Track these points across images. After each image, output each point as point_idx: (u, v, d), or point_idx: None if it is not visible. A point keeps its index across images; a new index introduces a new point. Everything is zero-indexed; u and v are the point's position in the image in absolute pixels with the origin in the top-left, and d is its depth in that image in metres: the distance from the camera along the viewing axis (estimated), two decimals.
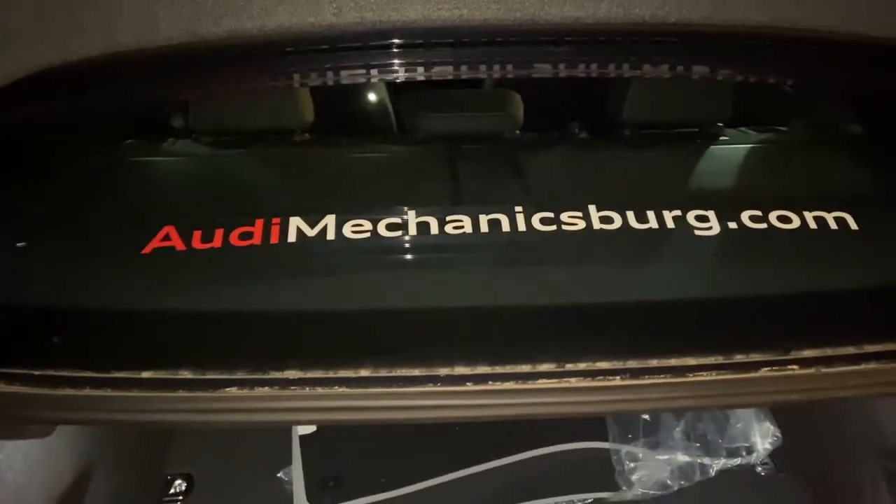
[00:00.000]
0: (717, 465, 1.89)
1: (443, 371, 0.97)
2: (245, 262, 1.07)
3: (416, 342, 1.02)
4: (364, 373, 0.97)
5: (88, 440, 1.45)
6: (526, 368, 0.97)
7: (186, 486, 1.84)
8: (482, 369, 0.96)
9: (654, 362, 0.98)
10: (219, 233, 1.07)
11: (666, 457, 1.89)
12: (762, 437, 1.93)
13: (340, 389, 0.98)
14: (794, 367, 0.99)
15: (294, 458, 1.90)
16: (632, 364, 0.98)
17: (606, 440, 1.94)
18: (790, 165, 1.40)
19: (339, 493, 1.80)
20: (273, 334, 1.03)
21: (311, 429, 1.99)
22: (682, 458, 1.89)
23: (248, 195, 1.25)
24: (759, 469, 1.89)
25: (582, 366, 0.97)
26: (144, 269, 1.07)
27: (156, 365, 0.96)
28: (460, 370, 0.96)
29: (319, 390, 0.99)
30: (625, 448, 1.92)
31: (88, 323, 1.02)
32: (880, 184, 1.27)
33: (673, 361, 0.98)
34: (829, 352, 1.00)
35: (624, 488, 1.84)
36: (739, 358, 0.98)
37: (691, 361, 0.98)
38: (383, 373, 0.97)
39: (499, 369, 0.97)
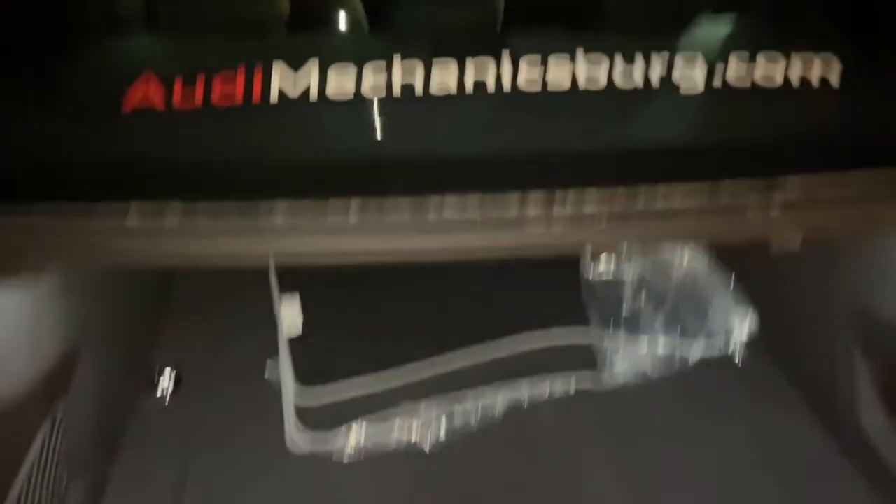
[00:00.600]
0: (695, 354, 1.94)
1: (432, 216, 0.98)
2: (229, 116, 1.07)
3: (404, 186, 1.02)
4: (354, 220, 0.97)
5: (74, 322, 1.45)
6: (513, 213, 0.98)
7: (174, 383, 1.85)
8: (471, 214, 0.98)
9: (640, 206, 1.00)
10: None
11: (646, 347, 1.94)
12: (740, 326, 1.98)
13: (330, 234, 0.98)
14: (775, 209, 1.01)
15: (281, 353, 1.92)
16: (618, 206, 1.00)
17: (589, 332, 1.98)
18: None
19: (325, 384, 1.83)
20: (263, 180, 1.03)
21: (298, 332, 2.01)
22: (663, 348, 1.94)
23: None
24: (737, 358, 1.95)
25: (569, 208, 0.99)
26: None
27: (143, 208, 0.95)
28: (449, 214, 0.97)
29: (309, 236, 1.00)
30: (606, 339, 1.96)
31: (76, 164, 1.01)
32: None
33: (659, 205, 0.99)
34: (806, 193, 1.03)
35: (605, 377, 1.88)
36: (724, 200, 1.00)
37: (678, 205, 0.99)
38: (373, 215, 0.98)
39: (488, 213, 0.98)
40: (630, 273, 2.07)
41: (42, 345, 1.34)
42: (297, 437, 1.70)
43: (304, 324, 2.00)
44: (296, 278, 2.20)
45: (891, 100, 1.15)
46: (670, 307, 2.02)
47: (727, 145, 1.08)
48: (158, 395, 1.82)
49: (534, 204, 0.97)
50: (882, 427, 1.59)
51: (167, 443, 1.68)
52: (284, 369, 1.86)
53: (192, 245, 0.99)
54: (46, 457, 1.39)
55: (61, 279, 1.39)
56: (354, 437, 1.69)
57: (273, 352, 1.92)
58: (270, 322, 2.03)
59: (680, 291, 2.05)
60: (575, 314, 2.01)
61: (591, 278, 2.07)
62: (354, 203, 0.99)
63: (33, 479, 1.32)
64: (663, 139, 1.10)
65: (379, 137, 1.08)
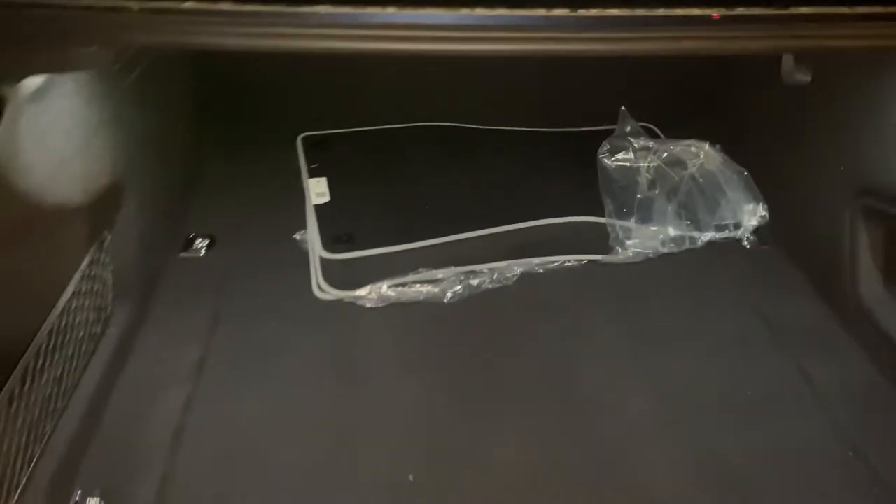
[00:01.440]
0: (705, 237, 2.02)
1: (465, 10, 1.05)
2: None
3: None
4: (391, 10, 1.05)
5: (121, 157, 1.55)
6: (541, 11, 1.05)
7: (208, 243, 1.96)
8: (500, 10, 1.05)
9: (660, 11, 1.07)
10: None
11: (657, 228, 2.02)
12: (750, 215, 2.05)
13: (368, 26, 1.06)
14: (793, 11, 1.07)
15: (309, 222, 2.02)
16: (640, 12, 1.07)
17: (604, 216, 2.06)
18: None
19: (351, 247, 1.93)
20: None
21: (325, 199, 2.11)
22: (673, 230, 2.02)
23: None
24: (745, 242, 2.02)
25: (594, 11, 1.06)
26: None
27: None
28: (480, 11, 1.05)
29: (349, 27, 1.07)
30: (619, 222, 2.04)
31: None
32: None
33: (679, 11, 1.06)
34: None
35: (617, 252, 1.97)
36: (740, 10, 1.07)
37: (695, 11, 1.06)
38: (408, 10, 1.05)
39: (516, 11, 1.05)
40: (645, 162, 2.14)
41: (93, 170, 1.44)
42: (323, 286, 1.80)
43: (331, 196, 2.10)
44: (323, 152, 2.30)
45: None
46: (683, 198, 2.09)
47: None
48: (193, 249, 1.93)
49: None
50: (880, 296, 1.67)
51: (203, 287, 1.79)
52: (311, 229, 1.97)
53: (240, 32, 1.06)
54: (93, 277, 1.50)
55: (111, 108, 1.48)
56: (376, 290, 1.78)
57: (301, 221, 2.03)
58: (300, 192, 2.14)
59: (693, 183, 2.12)
60: (592, 202, 2.08)
61: (608, 165, 2.14)
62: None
63: (81, 295, 1.44)
64: None
65: None
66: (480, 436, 1.43)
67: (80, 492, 1.27)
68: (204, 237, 1.97)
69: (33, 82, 1.18)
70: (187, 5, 1.04)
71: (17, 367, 1.21)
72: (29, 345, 1.25)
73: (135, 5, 1.04)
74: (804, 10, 1.08)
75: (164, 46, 1.25)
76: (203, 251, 1.93)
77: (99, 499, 1.26)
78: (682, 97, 2.42)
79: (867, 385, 1.56)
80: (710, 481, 1.35)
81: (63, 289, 1.37)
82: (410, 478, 1.34)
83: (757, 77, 2.09)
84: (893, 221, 1.63)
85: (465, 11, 1.06)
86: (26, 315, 1.28)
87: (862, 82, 1.65)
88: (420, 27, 1.06)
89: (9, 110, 1.11)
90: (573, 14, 1.07)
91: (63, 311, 1.36)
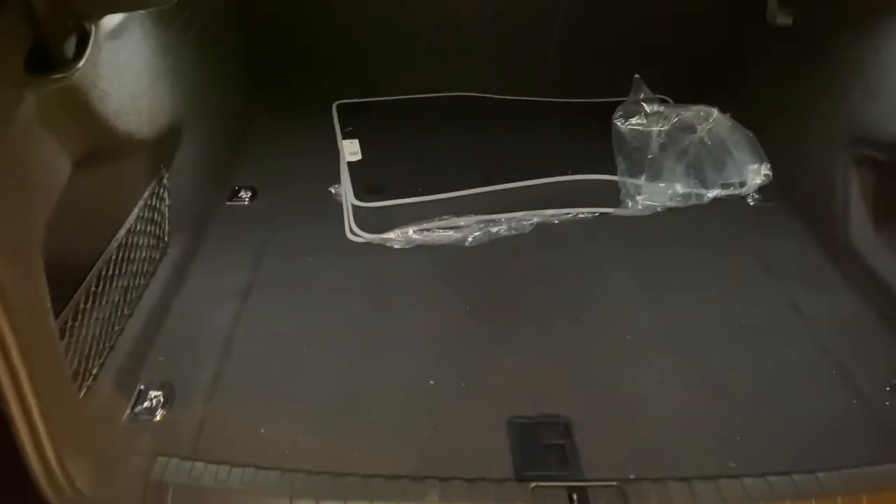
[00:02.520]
0: (711, 194, 2.16)
1: None
2: None
3: None
4: None
5: (181, 100, 1.74)
6: None
7: (251, 195, 2.14)
8: None
9: None
10: None
11: (666, 185, 2.16)
12: (754, 174, 2.18)
13: None
14: None
15: (343, 176, 2.20)
16: None
17: (615, 174, 2.21)
18: None
19: (380, 197, 2.10)
20: None
21: (357, 157, 2.29)
22: (681, 188, 2.16)
23: None
24: (749, 199, 2.15)
25: None
26: None
27: None
28: None
29: None
30: (630, 179, 2.19)
31: None
32: None
33: None
34: None
35: (628, 205, 2.12)
36: None
37: None
38: None
39: None
40: (656, 126, 2.29)
41: (156, 109, 1.63)
42: (355, 230, 1.98)
43: (363, 156, 2.28)
44: (357, 119, 2.49)
45: None
46: (692, 158, 2.23)
47: None
48: (238, 198, 2.12)
49: None
50: (870, 240, 1.80)
51: (247, 230, 1.97)
52: (344, 182, 2.15)
53: None
54: (153, 207, 1.69)
55: (173, 57, 1.68)
56: (403, 233, 1.96)
57: (336, 177, 2.21)
58: (335, 152, 2.32)
59: (702, 145, 2.26)
60: (606, 163, 2.24)
61: (621, 128, 2.29)
62: None
63: (144, 220, 1.63)
64: None
65: None
66: (494, 350, 1.59)
67: (142, 386, 1.46)
68: (247, 189, 2.16)
69: (112, 21, 1.38)
70: None
71: (92, 270, 1.41)
72: (101, 253, 1.45)
73: None
74: None
75: None
76: (247, 201, 2.12)
77: (161, 391, 1.45)
78: (691, 70, 2.55)
79: (853, 313, 1.69)
80: (697, 388, 1.49)
81: (129, 211, 1.56)
82: (431, 382, 1.51)
83: (761, 50, 2.23)
84: (882, 168, 1.76)
85: None
86: (99, 229, 1.47)
87: (847, 42, 1.78)
88: None
89: (92, 42, 1.31)
90: None
91: (129, 230, 1.55)
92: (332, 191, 2.15)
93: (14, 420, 1.03)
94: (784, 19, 1.53)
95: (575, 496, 1.13)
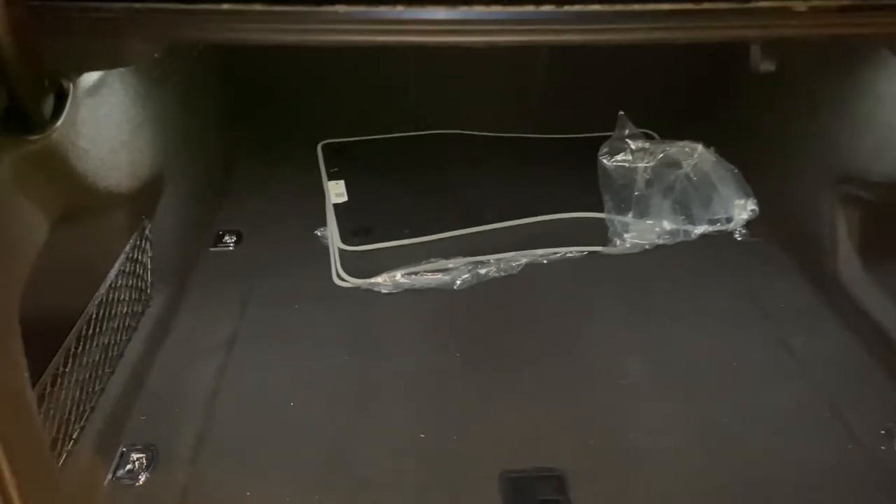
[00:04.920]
0: (699, 230, 2.15)
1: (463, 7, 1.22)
2: None
3: None
4: (400, 7, 1.21)
5: (162, 150, 1.72)
6: (531, 7, 1.22)
7: (236, 239, 2.12)
8: (495, 7, 1.21)
9: (635, 6, 1.22)
10: None
11: (653, 222, 2.15)
12: (741, 209, 2.18)
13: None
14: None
15: (329, 218, 2.18)
16: (618, 6, 1.22)
17: (602, 212, 2.21)
18: None
19: (367, 240, 2.08)
20: None
21: (343, 199, 2.27)
22: (669, 224, 2.15)
23: None
24: (737, 235, 2.15)
25: (577, 7, 1.22)
26: None
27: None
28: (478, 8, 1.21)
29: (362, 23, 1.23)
30: (618, 217, 2.18)
31: None
32: None
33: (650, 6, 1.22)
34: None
35: (616, 243, 2.10)
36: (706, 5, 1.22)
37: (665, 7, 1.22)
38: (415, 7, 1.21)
39: (508, 8, 1.22)
40: (642, 163, 2.28)
41: (137, 161, 1.60)
42: (342, 275, 1.95)
43: (349, 197, 2.26)
44: (341, 158, 2.47)
45: None
46: (678, 194, 2.23)
47: None
48: (223, 244, 2.09)
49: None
50: (859, 277, 1.80)
51: (232, 276, 1.94)
52: (330, 225, 2.13)
53: (269, 28, 1.23)
54: (135, 260, 1.66)
55: (154, 108, 1.66)
56: (391, 278, 1.93)
57: (322, 219, 2.19)
58: (320, 194, 2.30)
59: (688, 181, 2.26)
60: (592, 199, 2.23)
61: (607, 165, 2.28)
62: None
63: (125, 274, 1.60)
64: None
65: None
66: (486, 399, 1.57)
67: (124, 448, 1.42)
68: (232, 233, 2.13)
69: (90, 78, 1.36)
70: (225, 6, 1.22)
71: (72, 331, 1.37)
72: (82, 312, 1.41)
73: (177, 6, 1.21)
74: (762, 4, 1.24)
75: (202, 41, 1.41)
76: (232, 246, 2.09)
77: (144, 453, 1.41)
78: (675, 105, 2.56)
79: (845, 354, 1.68)
80: (693, 437, 1.47)
81: (111, 266, 1.53)
82: (421, 435, 1.48)
83: (745, 85, 2.24)
84: (868, 206, 1.76)
85: (463, 9, 1.23)
86: (79, 286, 1.44)
87: (832, 81, 1.79)
88: (424, 22, 1.23)
89: (70, 101, 1.29)
90: (559, 9, 1.23)
91: (110, 286, 1.52)
92: (319, 234, 2.13)
93: None
94: (767, 66, 1.53)
95: None
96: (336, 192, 2.29)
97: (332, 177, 2.38)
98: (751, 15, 1.23)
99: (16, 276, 1.13)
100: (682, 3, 1.24)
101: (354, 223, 2.15)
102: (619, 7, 1.24)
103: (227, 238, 2.11)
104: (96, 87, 1.38)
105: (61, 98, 1.27)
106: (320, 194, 2.31)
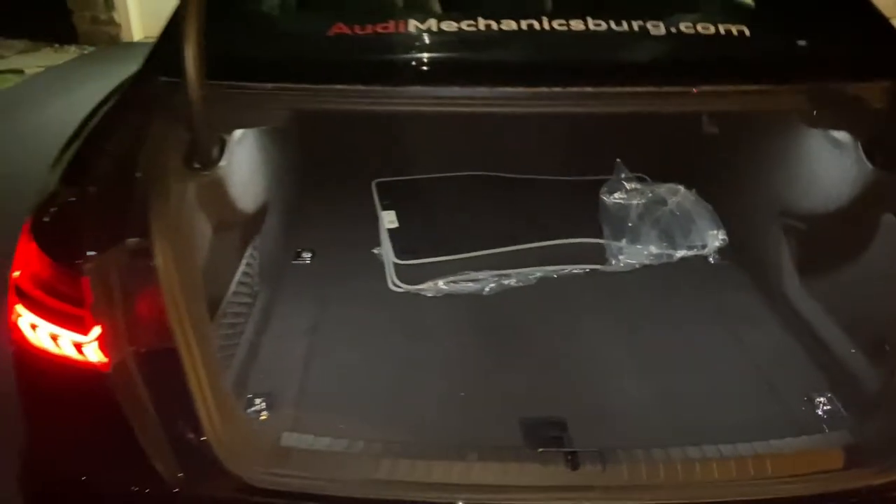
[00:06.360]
0: (679, 254, 2.70)
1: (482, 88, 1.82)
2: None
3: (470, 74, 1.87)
4: (455, 88, 1.80)
5: (265, 185, 2.30)
6: (543, 88, 1.80)
7: (311, 255, 2.69)
8: (520, 88, 1.80)
9: (618, 88, 1.81)
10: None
11: (643, 247, 2.70)
12: (713, 238, 2.73)
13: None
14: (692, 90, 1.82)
15: (383, 240, 2.76)
16: (605, 89, 1.81)
17: (602, 238, 2.76)
18: None
19: (415, 256, 2.65)
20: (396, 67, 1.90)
21: (395, 225, 2.85)
22: (655, 249, 2.70)
23: None
24: (710, 259, 2.69)
25: (574, 88, 1.80)
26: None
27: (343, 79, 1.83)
28: (510, 89, 1.81)
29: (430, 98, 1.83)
30: (614, 242, 2.73)
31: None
32: None
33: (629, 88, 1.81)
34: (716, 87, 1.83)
35: (612, 263, 2.65)
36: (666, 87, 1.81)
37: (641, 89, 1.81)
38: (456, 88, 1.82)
39: (531, 89, 1.81)
40: (636, 200, 2.84)
41: (257, 191, 2.20)
42: (396, 282, 2.52)
43: (399, 224, 2.84)
44: (392, 193, 3.06)
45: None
46: (663, 226, 2.78)
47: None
48: (301, 258, 2.67)
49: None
50: (797, 288, 2.33)
51: (312, 281, 2.51)
52: (385, 245, 2.70)
53: (367, 101, 1.83)
54: (249, 265, 2.24)
55: (266, 153, 2.26)
56: (434, 285, 2.49)
57: (378, 241, 2.76)
58: (376, 221, 2.88)
59: (671, 215, 2.81)
60: (594, 229, 2.79)
61: (606, 201, 2.85)
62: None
63: (245, 275, 2.17)
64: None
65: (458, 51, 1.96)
66: (506, 368, 2.12)
67: (250, 395, 1.97)
68: (308, 251, 2.70)
69: (237, 133, 1.96)
70: (338, 87, 1.82)
71: (219, 310, 1.94)
72: (223, 298, 1.98)
73: (305, 86, 1.82)
74: (707, 88, 1.82)
75: (319, 110, 2.00)
76: (308, 260, 2.67)
77: (263, 398, 1.95)
78: (662, 155, 3.12)
79: (783, 345, 2.21)
80: (661, 397, 2.00)
81: (238, 267, 2.11)
82: (462, 394, 2.02)
83: (717, 144, 2.81)
84: (802, 234, 2.30)
85: (501, 89, 1.82)
86: (220, 282, 2.01)
87: (771, 142, 2.37)
88: (470, 97, 1.82)
89: (227, 148, 1.88)
90: (563, 90, 1.82)
91: (237, 282, 2.09)
92: (376, 252, 2.70)
93: (200, 414, 1.52)
94: (711, 129, 2.09)
95: (569, 458, 1.61)
96: (389, 219, 2.87)
97: (384, 208, 2.96)
98: (666, 97, 1.81)
99: (198, 263, 1.70)
100: (635, 88, 1.84)
101: (404, 244, 2.72)
102: (603, 89, 1.83)
103: (304, 254, 2.68)
104: (240, 139, 1.98)
105: (222, 147, 1.87)
106: (376, 221, 2.89)
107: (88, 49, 8.53)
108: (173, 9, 2.07)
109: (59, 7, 8.67)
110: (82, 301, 1.47)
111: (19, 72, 7.47)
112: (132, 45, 8.75)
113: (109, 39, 8.76)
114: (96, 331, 1.47)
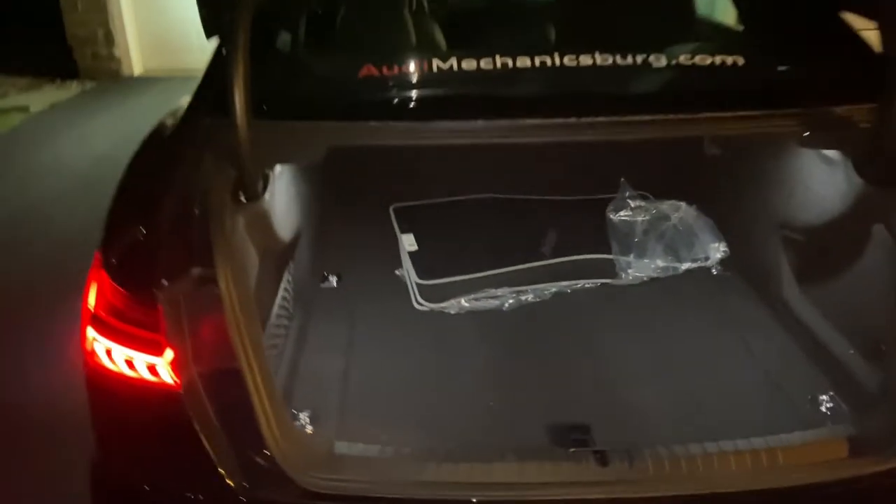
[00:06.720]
0: (683, 266, 2.86)
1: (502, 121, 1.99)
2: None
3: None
4: (480, 122, 1.98)
5: (297, 216, 2.46)
6: (559, 119, 1.98)
7: (338, 278, 2.85)
8: (537, 120, 1.98)
9: (631, 117, 1.98)
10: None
11: (649, 260, 2.87)
12: (715, 251, 2.90)
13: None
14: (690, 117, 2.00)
15: (405, 261, 2.91)
16: (616, 118, 1.98)
17: (610, 253, 2.93)
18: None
19: (436, 276, 2.80)
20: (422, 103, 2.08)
21: (414, 248, 3.01)
22: (661, 262, 2.87)
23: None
24: (713, 270, 2.86)
25: (586, 119, 1.98)
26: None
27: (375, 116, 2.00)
28: (526, 121, 1.98)
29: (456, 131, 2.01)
30: (622, 257, 2.90)
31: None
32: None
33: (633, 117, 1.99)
34: (714, 114, 2.01)
35: (622, 276, 2.82)
36: (665, 115, 1.99)
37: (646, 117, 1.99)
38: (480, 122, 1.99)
39: (547, 120, 1.98)
40: (641, 216, 3.01)
41: (292, 221, 2.36)
42: (420, 301, 2.67)
43: (419, 246, 3.00)
44: (409, 217, 3.22)
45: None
46: (668, 240, 2.95)
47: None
48: (328, 282, 2.82)
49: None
50: (797, 296, 2.49)
51: (342, 303, 2.66)
52: (407, 266, 2.86)
53: (396, 136, 2.01)
54: (286, 293, 2.39)
55: (301, 186, 2.42)
56: (456, 303, 2.65)
57: (399, 263, 2.92)
58: (396, 244, 3.04)
59: (675, 230, 2.98)
60: (603, 245, 2.96)
61: (614, 218, 3.01)
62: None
63: (283, 298, 2.33)
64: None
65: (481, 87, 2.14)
66: (528, 378, 2.28)
67: (293, 410, 2.11)
68: (333, 274, 2.86)
69: (278, 168, 2.12)
70: (372, 124, 1.99)
71: (266, 330, 2.08)
72: (266, 321, 2.13)
73: (341, 124, 1.99)
74: (705, 115, 2.00)
75: (353, 145, 2.16)
76: (335, 283, 2.82)
77: (307, 413, 2.10)
78: (665, 173, 3.29)
79: (787, 350, 2.37)
80: (676, 399, 2.16)
81: (277, 292, 2.26)
82: (491, 403, 2.17)
83: (715, 163, 2.98)
84: (800, 245, 2.47)
85: (522, 121, 2.00)
86: (263, 305, 2.16)
87: (769, 161, 2.54)
88: (495, 128, 1.99)
89: (270, 181, 2.04)
90: (579, 120, 1.99)
91: (278, 305, 2.24)
92: (398, 273, 2.86)
93: (262, 427, 1.67)
94: (713, 150, 2.26)
95: (598, 456, 1.76)
96: (409, 242, 3.03)
97: (403, 231, 3.12)
98: (667, 123, 1.99)
99: (252, 290, 1.85)
100: (642, 116, 2.02)
101: (425, 264, 2.88)
102: (614, 118, 2.00)
103: (330, 278, 2.84)
104: (280, 174, 2.14)
105: (266, 181, 2.03)
106: (395, 244, 3.05)
107: (90, 84, 8.72)
108: (213, 51, 2.25)
109: (59, 43, 8.87)
110: (157, 327, 1.62)
111: (24, 109, 7.64)
112: (133, 80, 8.96)
113: (110, 74, 8.96)
114: (169, 354, 1.62)
